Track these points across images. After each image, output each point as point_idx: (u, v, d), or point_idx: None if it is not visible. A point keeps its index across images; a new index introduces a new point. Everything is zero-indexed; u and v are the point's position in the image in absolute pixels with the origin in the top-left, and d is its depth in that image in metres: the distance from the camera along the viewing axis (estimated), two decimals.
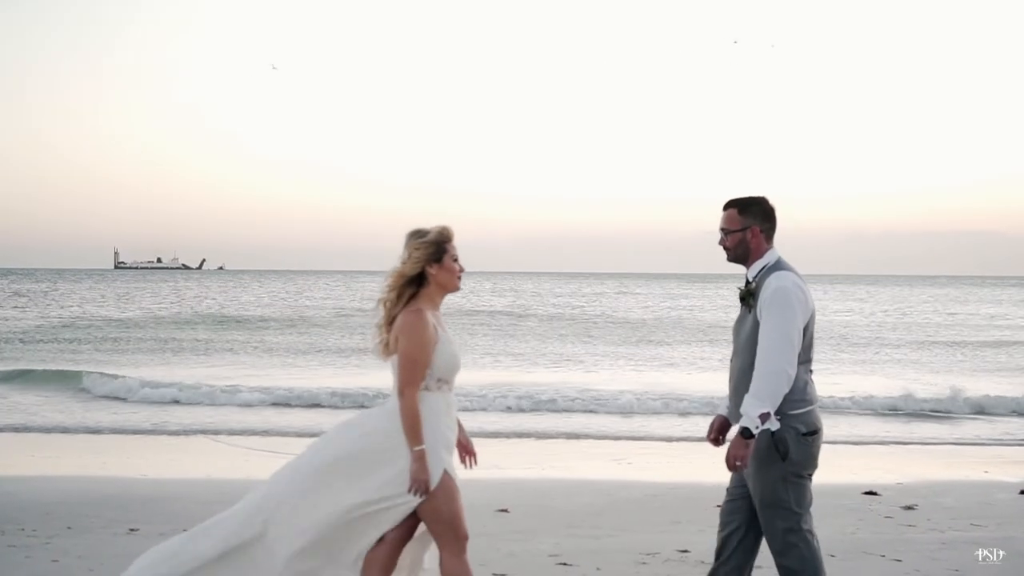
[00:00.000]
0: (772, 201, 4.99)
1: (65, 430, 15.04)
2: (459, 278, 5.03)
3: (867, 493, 9.97)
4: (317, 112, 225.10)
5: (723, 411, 5.30)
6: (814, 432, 4.94)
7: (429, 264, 4.94)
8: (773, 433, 4.81)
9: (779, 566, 5.01)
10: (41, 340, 33.27)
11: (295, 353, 29.91)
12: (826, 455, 13.02)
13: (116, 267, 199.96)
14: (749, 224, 4.92)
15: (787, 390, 4.78)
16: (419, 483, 4.80)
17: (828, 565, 7.19)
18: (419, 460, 4.81)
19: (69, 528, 8.12)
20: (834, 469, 11.80)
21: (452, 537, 4.90)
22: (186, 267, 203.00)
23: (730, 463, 4.83)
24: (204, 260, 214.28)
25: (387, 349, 4.98)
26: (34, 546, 7.48)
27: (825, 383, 21.24)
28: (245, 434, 14.59)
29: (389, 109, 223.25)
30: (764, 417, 4.74)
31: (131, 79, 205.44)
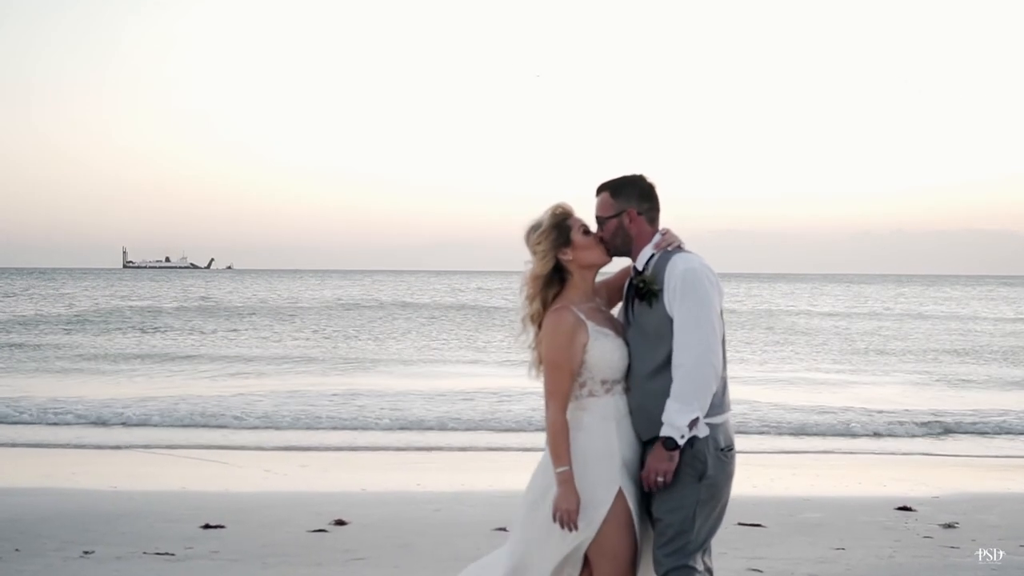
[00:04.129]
0: (651, 179, 4.32)
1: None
2: (603, 248, 4.26)
3: (901, 509, 9.07)
4: (323, 113, 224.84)
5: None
6: (731, 447, 4.20)
7: (559, 251, 4.23)
8: (692, 447, 4.07)
9: None
10: None
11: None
12: (851, 465, 12.33)
13: (125, 266, 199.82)
14: (624, 208, 4.27)
15: (716, 388, 4.07)
16: (562, 512, 4.07)
17: None
18: (563, 484, 4.09)
19: (17, 550, 7.30)
20: (863, 481, 10.97)
21: None
22: (194, 266, 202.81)
23: (651, 479, 4.08)
24: (212, 259, 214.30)
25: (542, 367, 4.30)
26: None
27: (842, 390, 20.74)
28: None
29: (396, 109, 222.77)
30: (693, 424, 4.02)
31: (138, 82, 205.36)
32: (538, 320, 4.28)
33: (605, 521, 4.12)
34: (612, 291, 4.47)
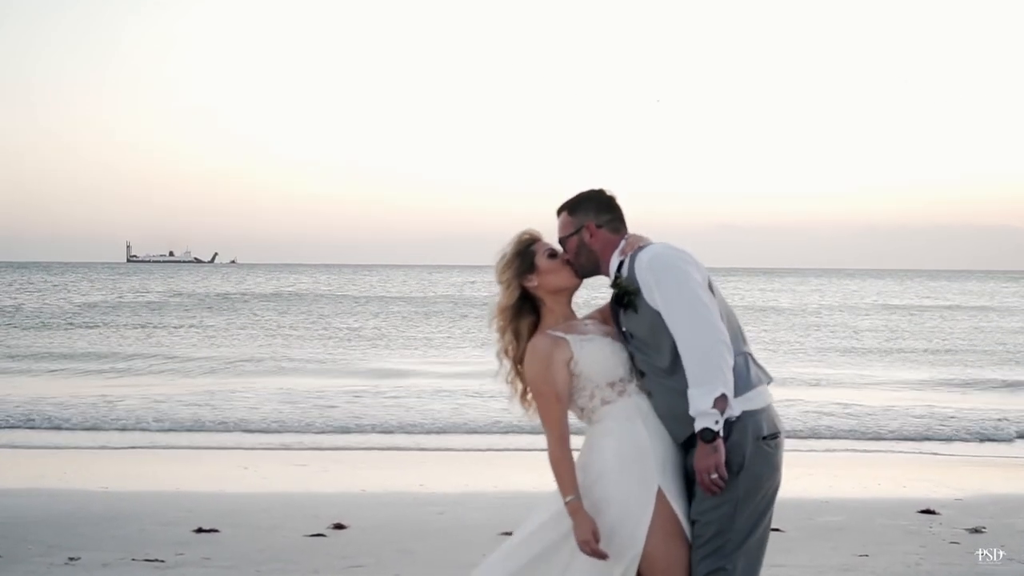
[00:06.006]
0: (610, 191, 4.16)
1: None
2: (570, 270, 4.03)
3: (924, 512, 8.70)
4: (325, 109, 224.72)
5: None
6: (775, 434, 3.84)
7: (523, 279, 4.02)
8: (729, 438, 3.73)
9: None
10: None
11: None
12: (868, 465, 11.96)
13: (128, 260, 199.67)
14: (582, 223, 4.10)
15: (731, 359, 3.77)
16: (581, 544, 3.74)
17: None
18: (575, 514, 3.79)
19: (0, 556, 6.96)
20: (883, 482, 10.61)
21: None
22: (198, 261, 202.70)
23: (704, 479, 3.72)
24: (216, 254, 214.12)
25: (526, 399, 4.06)
26: None
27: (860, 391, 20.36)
28: None
29: (398, 104, 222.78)
30: (722, 404, 3.69)
31: (139, 81, 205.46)
32: (512, 354, 4.05)
33: (650, 532, 3.76)
34: (606, 315, 4.20)
